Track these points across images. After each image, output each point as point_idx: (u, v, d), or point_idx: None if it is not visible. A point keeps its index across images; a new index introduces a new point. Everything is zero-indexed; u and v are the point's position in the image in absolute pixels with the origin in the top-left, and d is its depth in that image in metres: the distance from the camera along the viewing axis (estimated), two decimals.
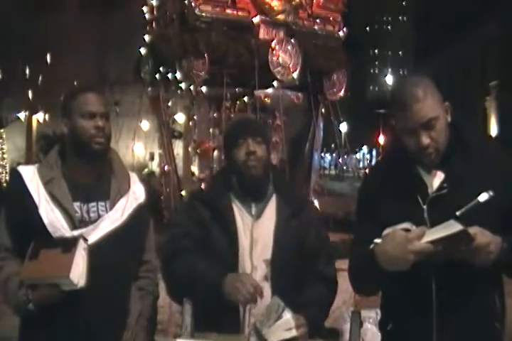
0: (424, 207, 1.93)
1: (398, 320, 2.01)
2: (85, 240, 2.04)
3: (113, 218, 2.14)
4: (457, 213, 1.82)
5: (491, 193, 1.82)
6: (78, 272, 1.97)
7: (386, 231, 1.84)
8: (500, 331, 1.98)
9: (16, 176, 2.16)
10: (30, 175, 2.13)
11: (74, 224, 2.08)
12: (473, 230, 1.75)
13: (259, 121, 2.54)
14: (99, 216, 2.13)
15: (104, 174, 2.19)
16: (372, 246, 1.87)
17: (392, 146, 2.16)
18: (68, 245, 2.00)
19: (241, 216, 2.27)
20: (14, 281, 2.04)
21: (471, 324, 1.91)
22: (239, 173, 2.29)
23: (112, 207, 2.15)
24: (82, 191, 2.13)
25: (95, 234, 2.09)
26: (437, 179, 1.96)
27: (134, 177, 2.30)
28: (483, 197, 1.83)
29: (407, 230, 1.81)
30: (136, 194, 2.25)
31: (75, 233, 2.06)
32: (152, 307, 2.33)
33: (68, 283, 1.96)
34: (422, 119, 1.89)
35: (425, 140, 1.90)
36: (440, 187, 1.94)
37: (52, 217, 2.06)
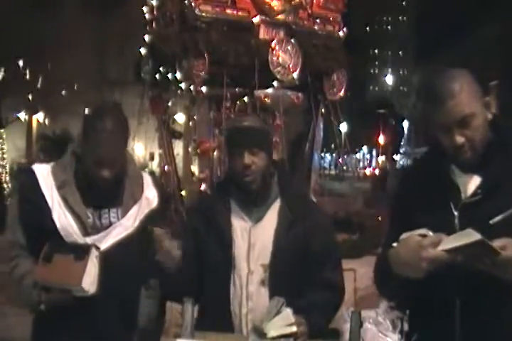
0: (456, 213, 1.79)
1: (423, 332, 1.92)
2: (97, 248, 2.04)
3: (125, 226, 2.12)
4: (491, 222, 1.68)
5: None
6: (89, 280, 1.98)
7: (403, 236, 1.75)
8: None
9: (30, 176, 2.13)
10: (45, 176, 2.11)
11: (86, 230, 2.07)
12: (501, 242, 1.62)
13: (259, 125, 2.39)
14: (111, 223, 2.11)
15: (118, 177, 2.15)
16: (389, 249, 1.80)
17: (430, 145, 1.98)
18: (81, 253, 2.01)
19: (240, 220, 2.26)
20: (28, 280, 2.04)
21: (497, 338, 1.79)
22: (236, 183, 2.27)
23: (124, 214, 2.13)
24: (94, 196, 2.11)
25: (107, 241, 2.08)
26: (473, 183, 1.81)
27: (147, 180, 2.26)
28: None
29: (424, 236, 1.70)
30: (149, 199, 2.21)
31: (87, 239, 2.06)
32: (161, 307, 2.33)
33: (79, 290, 1.98)
34: (456, 116, 1.73)
35: (459, 139, 1.75)
36: (475, 193, 1.79)
37: (64, 222, 2.06)
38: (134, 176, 2.22)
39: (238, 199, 2.28)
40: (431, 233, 1.71)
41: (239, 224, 2.25)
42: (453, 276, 1.73)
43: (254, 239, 2.23)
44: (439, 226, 1.74)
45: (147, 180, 2.26)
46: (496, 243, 1.61)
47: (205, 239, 2.26)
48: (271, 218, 2.26)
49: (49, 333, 2.11)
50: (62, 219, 2.06)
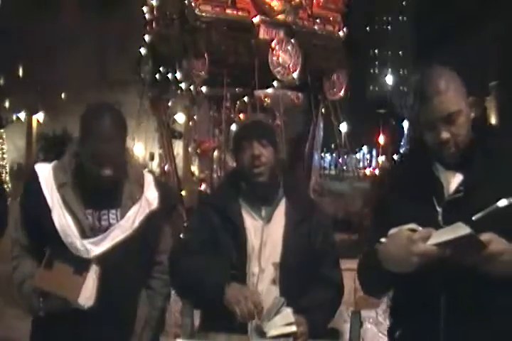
0: (439, 209, 1.83)
1: (406, 328, 1.93)
2: (98, 264, 2.04)
3: (123, 227, 2.11)
4: (473, 218, 1.72)
5: (511, 200, 1.72)
6: (87, 296, 1.99)
7: (392, 231, 1.77)
8: None
9: (33, 175, 2.13)
10: (46, 176, 2.11)
11: (84, 232, 2.07)
12: (486, 236, 1.65)
13: (266, 121, 2.48)
14: (110, 224, 2.11)
15: (118, 178, 2.14)
16: (377, 245, 1.81)
17: (414, 143, 2.04)
18: (81, 266, 2.01)
19: (251, 219, 2.27)
20: (28, 285, 2.04)
21: (481, 334, 1.80)
22: (246, 178, 2.28)
23: (122, 215, 2.13)
24: (94, 197, 2.11)
25: (104, 244, 2.08)
26: (455, 180, 1.86)
27: (148, 181, 2.25)
28: (502, 202, 1.72)
29: (414, 230, 1.73)
30: (149, 200, 2.20)
31: (85, 242, 2.05)
32: (160, 307, 2.32)
33: (76, 305, 1.99)
34: (442, 113, 1.78)
35: (445, 135, 1.79)
36: (457, 190, 1.83)
37: (63, 222, 2.05)
38: (134, 177, 2.20)
39: (247, 197, 2.30)
40: (420, 228, 1.73)
41: (251, 223, 2.26)
42: (438, 271, 1.75)
43: (266, 237, 2.25)
44: (423, 222, 1.77)
45: (149, 180, 2.25)
46: (482, 237, 1.65)
47: (218, 236, 2.26)
48: (279, 217, 2.29)
49: (47, 336, 2.10)
50: (62, 220, 2.06)
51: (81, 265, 2.01)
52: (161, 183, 2.34)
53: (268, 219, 2.28)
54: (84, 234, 2.06)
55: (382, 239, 1.79)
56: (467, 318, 1.79)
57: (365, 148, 48.85)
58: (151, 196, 2.22)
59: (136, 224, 2.14)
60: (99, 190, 2.11)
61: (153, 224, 2.20)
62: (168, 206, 2.32)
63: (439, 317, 1.81)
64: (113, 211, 2.13)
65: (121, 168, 2.12)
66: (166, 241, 2.32)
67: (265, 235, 2.25)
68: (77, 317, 2.03)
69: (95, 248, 2.05)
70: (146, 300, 2.25)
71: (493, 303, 1.80)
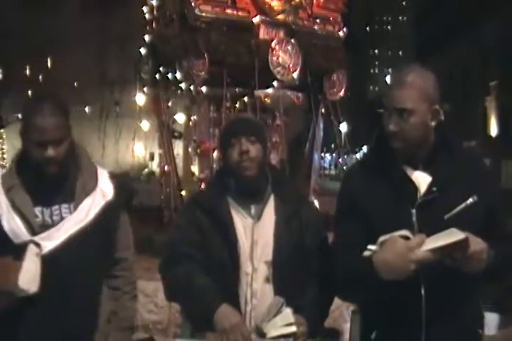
0: (413, 211, 1.88)
1: (384, 329, 1.95)
2: (36, 245, 2.00)
3: (76, 219, 2.09)
4: (445, 217, 1.81)
5: (475, 198, 1.83)
6: (27, 279, 1.94)
7: (383, 238, 1.79)
8: (482, 335, 1.98)
9: None
10: None
11: (33, 229, 2.04)
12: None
13: (255, 119, 2.48)
14: (62, 219, 2.08)
15: (70, 173, 2.13)
16: (367, 253, 1.82)
17: (380, 144, 2.07)
18: (18, 251, 1.97)
19: (240, 218, 2.25)
20: None
21: (459, 330, 1.88)
22: (234, 175, 2.27)
23: (76, 208, 2.11)
24: (44, 195, 2.09)
25: (57, 237, 2.05)
26: (424, 182, 1.92)
27: (102, 174, 2.23)
28: (469, 201, 1.84)
29: (406, 237, 1.76)
30: (104, 192, 2.19)
31: (35, 238, 2.03)
32: (129, 307, 2.30)
33: (18, 290, 1.93)
34: (396, 104, 1.88)
35: (393, 126, 1.89)
36: (429, 191, 1.89)
37: (12, 224, 2.03)
38: (87, 170, 2.18)
39: (235, 195, 2.29)
40: (411, 235, 1.77)
41: (240, 222, 2.25)
42: (418, 271, 1.77)
43: (256, 236, 2.23)
44: (398, 223, 1.83)
45: (102, 173, 2.23)
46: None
47: (208, 237, 2.25)
48: (269, 215, 2.27)
49: (5, 335, 2.05)
50: (11, 222, 2.03)
51: (18, 250, 1.98)
52: (115, 175, 2.32)
53: (258, 217, 2.26)
54: (33, 232, 2.04)
55: (371, 247, 1.81)
56: (446, 314, 1.84)
57: (365, 148, 48.80)
58: (105, 187, 2.20)
59: (91, 216, 2.12)
60: (50, 186, 2.08)
61: (109, 216, 2.18)
62: (124, 198, 2.30)
63: (419, 315, 1.85)
64: (65, 205, 2.11)
65: (67, 153, 2.08)
66: (128, 236, 2.30)
67: (256, 234, 2.23)
68: (36, 312, 1.99)
69: (47, 243, 2.03)
70: (108, 300, 2.22)
71: (469, 299, 1.89)
